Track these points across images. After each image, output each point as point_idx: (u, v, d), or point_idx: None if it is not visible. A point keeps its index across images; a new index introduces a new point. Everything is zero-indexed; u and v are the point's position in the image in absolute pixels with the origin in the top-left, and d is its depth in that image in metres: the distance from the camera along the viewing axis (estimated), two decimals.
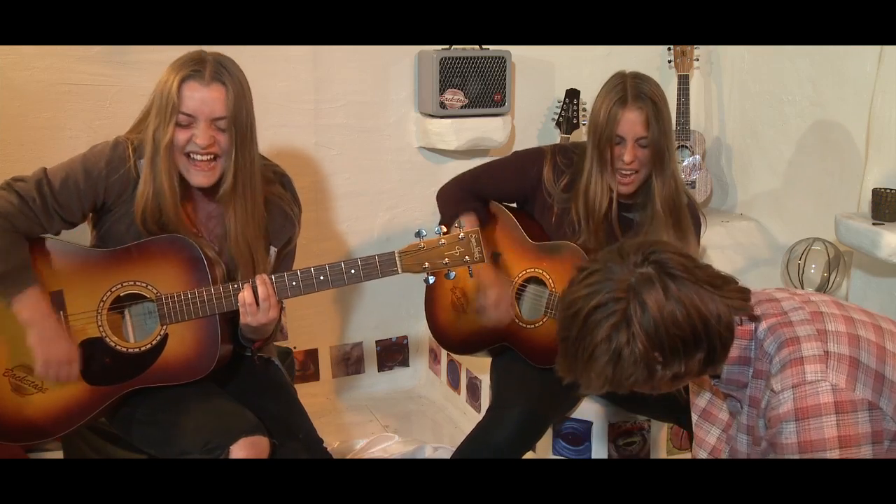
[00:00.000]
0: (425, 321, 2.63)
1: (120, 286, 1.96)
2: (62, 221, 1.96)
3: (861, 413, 1.36)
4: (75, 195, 1.94)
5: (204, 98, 1.91)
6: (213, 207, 2.05)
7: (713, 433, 1.65)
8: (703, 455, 1.67)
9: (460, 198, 2.44)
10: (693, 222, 2.37)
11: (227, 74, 1.94)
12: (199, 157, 1.94)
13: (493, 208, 2.53)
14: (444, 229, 1.98)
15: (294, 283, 1.96)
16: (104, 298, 1.96)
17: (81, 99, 2.68)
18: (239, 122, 1.94)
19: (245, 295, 1.93)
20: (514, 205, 2.55)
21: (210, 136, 1.92)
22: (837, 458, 1.35)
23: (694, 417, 1.70)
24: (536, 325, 2.35)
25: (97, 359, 1.95)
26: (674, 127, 3.24)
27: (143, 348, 1.96)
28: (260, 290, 1.93)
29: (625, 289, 1.40)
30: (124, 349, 1.96)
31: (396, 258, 1.96)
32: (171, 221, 1.97)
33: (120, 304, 1.98)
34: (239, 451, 1.85)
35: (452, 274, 2.01)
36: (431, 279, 2.00)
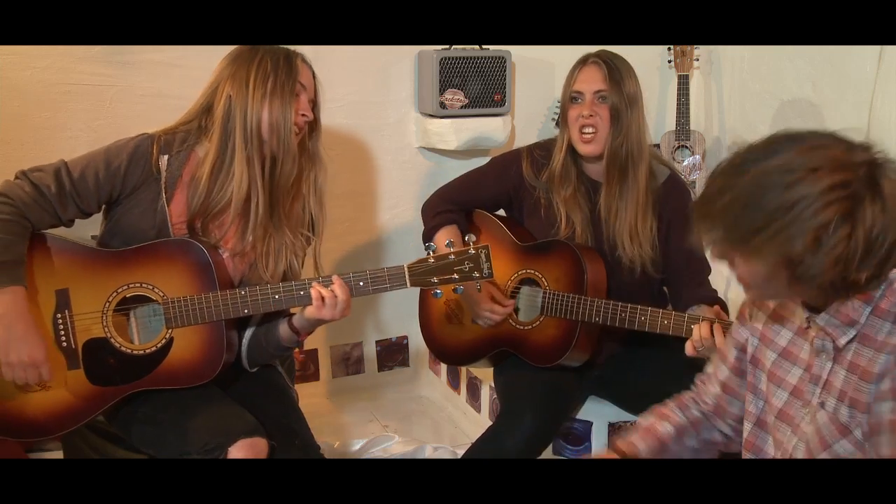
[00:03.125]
0: None
1: (126, 287, 1.96)
2: (77, 210, 1.96)
3: None
4: (94, 184, 1.94)
5: (307, 73, 2.04)
6: None
7: (795, 372, 1.52)
8: (783, 395, 1.54)
9: (441, 210, 2.46)
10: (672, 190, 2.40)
11: None
12: (297, 130, 2.01)
13: (477, 216, 2.53)
14: (454, 242, 1.99)
15: (302, 293, 1.96)
16: (110, 299, 1.96)
17: (81, 99, 2.68)
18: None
19: (323, 291, 1.93)
20: (502, 212, 2.56)
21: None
22: None
23: (772, 357, 1.58)
24: (534, 325, 2.36)
25: (101, 359, 1.95)
26: (674, 127, 3.25)
27: (147, 350, 1.96)
28: (339, 292, 1.94)
29: (854, 176, 1.25)
30: (129, 350, 1.96)
31: (405, 272, 1.97)
32: (234, 213, 2.00)
33: (126, 306, 1.98)
34: (237, 452, 1.85)
35: (460, 289, 2.01)
36: (439, 293, 2.00)
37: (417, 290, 2.63)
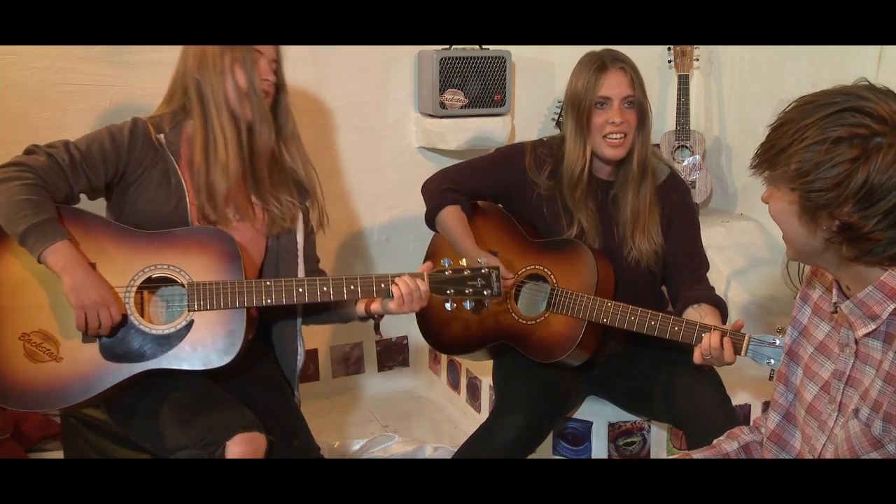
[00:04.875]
0: None
1: (154, 268, 1.99)
2: (87, 182, 2.00)
3: None
4: (100, 157, 2.00)
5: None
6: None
7: (828, 367, 1.51)
8: (813, 389, 1.53)
9: (444, 189, 2.46)
10: (676, 188, 2.43)
11: None
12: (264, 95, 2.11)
13: (488, 207, 2.53)
14: (467, 261, 2.14)
15: (325, 288, 2.04)
16: (135, 277, 1.98)
17: (81, 99, 2.68)
18: None
19: (403, 287, 2.04)
20: (500, 205, 2.55)
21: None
22: None
23: (809, 350, 1.57)
24: (538, 320, 2.35)
25: (119, 335, 1.96)
26: (674, 127, 3.26)
27: (166, 330, 1.98)
28: (422, 284, 2.07)
29: (885, 129, 1.26)
30: (147, 328, 1.97)
31: (425, 279, 2.08)
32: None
33: (151, 286, 2.00)
34: (235, 447, 1.84)
35: (469, 304, 2.12)
36: (451, 306, 2.12)
37: None
